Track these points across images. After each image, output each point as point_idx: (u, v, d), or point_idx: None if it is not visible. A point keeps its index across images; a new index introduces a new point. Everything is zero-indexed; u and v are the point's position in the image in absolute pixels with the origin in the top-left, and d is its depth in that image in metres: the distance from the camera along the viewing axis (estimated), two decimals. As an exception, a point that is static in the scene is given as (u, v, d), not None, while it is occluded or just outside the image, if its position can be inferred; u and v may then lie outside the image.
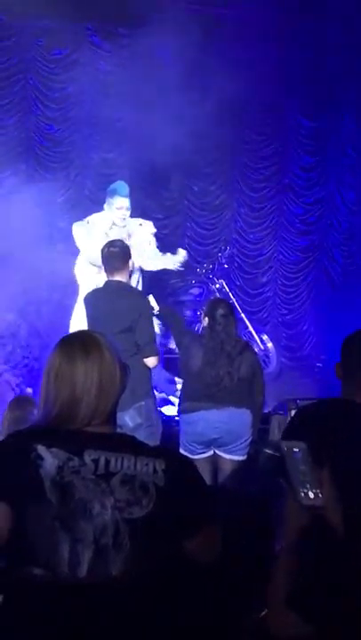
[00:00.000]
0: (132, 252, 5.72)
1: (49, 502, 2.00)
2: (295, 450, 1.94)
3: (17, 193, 8.34)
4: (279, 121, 10.22)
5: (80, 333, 2.36)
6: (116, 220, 7.08)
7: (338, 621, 1.87)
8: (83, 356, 2.15)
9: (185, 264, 7.49)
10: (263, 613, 2.11)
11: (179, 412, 5.42)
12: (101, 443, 2.10)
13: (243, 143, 10.13)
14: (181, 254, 7.34)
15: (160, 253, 7.32)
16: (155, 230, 7.39)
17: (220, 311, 5.29)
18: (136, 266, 6.88)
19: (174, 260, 7.29)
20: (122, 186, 7.16)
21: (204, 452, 5.14)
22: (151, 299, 5.68)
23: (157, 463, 2.10)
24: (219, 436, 5.10)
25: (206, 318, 5.31)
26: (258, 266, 10.38)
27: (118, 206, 7.05)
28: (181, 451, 5.08)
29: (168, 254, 7.32)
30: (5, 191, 8.61)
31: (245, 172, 10.22)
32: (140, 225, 7.32)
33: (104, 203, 7.24)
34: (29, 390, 7.04)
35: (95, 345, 2.19)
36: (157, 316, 5.91)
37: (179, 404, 5.48)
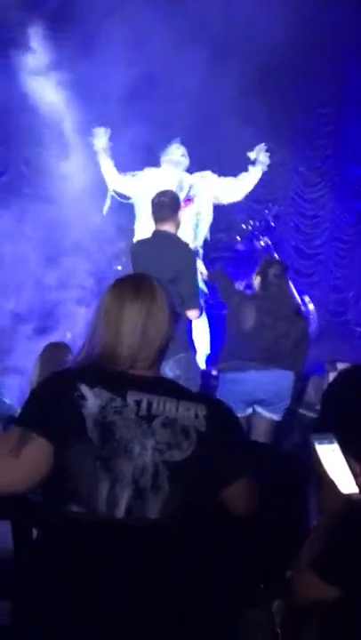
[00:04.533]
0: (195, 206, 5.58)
1: (90, 441, 2.00)
2: (325, 441, 1.92)
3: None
4: (342, 78, 10.01)
5: (135, 275, 2.34)
6: (172, 171, 6.90)
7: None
8: (132, 296, 2.14)
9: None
10: (288, 574, 2.11)
11: (220, 370, 5.38)
12: (145, 385, 2.09)
13: (301, 100, 9.95)
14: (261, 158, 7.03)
15: (234, 179, 7.05)
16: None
17: (273, 271, 5.24)
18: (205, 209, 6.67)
19: (256, 170, 7.00)
20: (175, 142, 7.05)
21: (245, 411, 5.14)
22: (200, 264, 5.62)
23: (199, 409, 2.09)
24: (266, 397, 5.10)
25: (258, 277, 5.27)
26: (314, 227, 10.28)
27: (173, 153, 6.85)
28: None
29: (243, 174, 7.07)
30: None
31: (304, 131, 10.06)
32: (203, 177, 7.12)
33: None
34: (68, 335, 7.06)
35: (147, 287, 2.17)
36: (205, 282, 5.86)
37: (219, 362, 5.46)
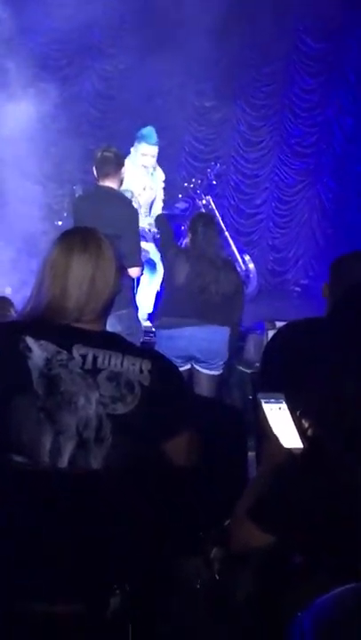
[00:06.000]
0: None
1: (35, 393, 2.02)
2: (272, 400, 1.97)
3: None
4: (283, 39, 9.99)
5: (83, 228, 2.33)
6: (139, 165, 7.03)
7: (297, 534, 1.92)
8: (80, 249, 2.14)
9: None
10: (227, 523, 2.16)
11: (157, 326, 5.42)
12: (90, 339, 2.11)
13: (244, 59, 9.91)
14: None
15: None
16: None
17: (201, 222, 5.28)
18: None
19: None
20: (150, 133, 7.10)
21: (181, 367, 5.18)
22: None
23: (144, 363, 2.11)
24: (200, 353, 5.14)
25: (189, 233, 5.29)
26: (254, 186, 10.31)
27: (144, 152, 7.01)
28: None
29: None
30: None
31: (246, 89, 10.04)
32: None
33: None
34: (8, 290, 6.99)
35: (95, 240, 2.17)
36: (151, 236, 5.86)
37: (155, 319, 5.49)
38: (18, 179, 7.67)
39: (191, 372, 5.23)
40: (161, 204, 7.42)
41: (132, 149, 7.20)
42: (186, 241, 5.38)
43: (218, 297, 5.11)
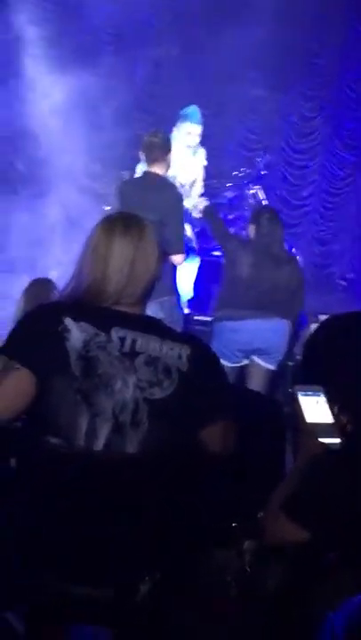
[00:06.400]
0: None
1: (73, 375, 2.02)
2: (310, 393, 1.93)
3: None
4: (337, 30, 9.86)
5: (125, 213, 2.34)
6: (182, 145, 6.96)
7: (331, 530, 1.89)
8: (121, 233, 2.13)
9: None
10: (260, 515, 2.14)
11: (217, 318, 5.34)
12: (130, 322, 2.10)
13: (297, 49, 9.81)
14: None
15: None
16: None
17: (266, 215, 5.23)
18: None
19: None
20: (194, 112, 7.04)
21: (239, 362, 5.14)
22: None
23: (183, 349, 2.11)
24: (265, 347, 5.09)
25: (253, 226, 5.24)
26: (302, 178, 10.22)
27: (188, 131, 6.95)
28: None
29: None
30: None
31: (298, 80, 9.94)
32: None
33: None
34: (54, 274, 7.01)
35: (136, 225, 2.17)
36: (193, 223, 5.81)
37: (215, 309, 5.43)
38: (66, 163, 7.71)
39: (246, 366, 5.18)
40: (201, 185, 7.31)
41: (174, 129, 7.10)
42: (250, 234, 5.33)
43: (282, 291, 5.08)
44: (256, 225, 5.19)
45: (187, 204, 6.83)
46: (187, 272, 6.62)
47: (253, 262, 5.07)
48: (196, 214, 6.48)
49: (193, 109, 7.09)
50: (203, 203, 6.08)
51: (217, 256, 6.57)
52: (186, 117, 7.05)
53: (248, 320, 5.05)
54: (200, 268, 6.99)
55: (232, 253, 5.22)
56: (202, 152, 7.26)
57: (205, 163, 7.26)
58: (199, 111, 7.05)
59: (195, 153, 7.19)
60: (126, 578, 2.02)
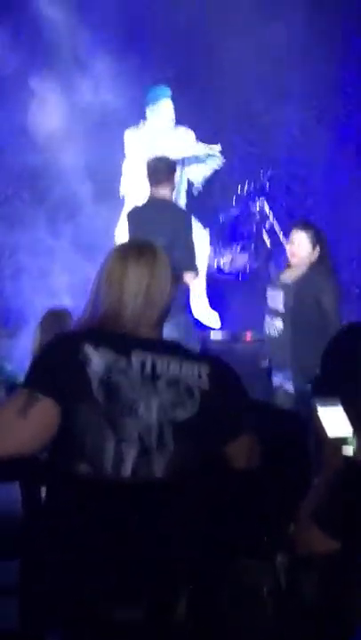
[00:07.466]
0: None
1: (96, 401, 2.03)
2: (328, 404, 1.95)
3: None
4: (332, 39, 9.88)
5: (137, 240, 2.36)
6: (168, 119, 6.86)
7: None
8: (135, 260, 2.16)
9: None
10: (292, 528, 2.16)
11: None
12: (148, 346, 2.12)
13: (291, 61, 9.84)
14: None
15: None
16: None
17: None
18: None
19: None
20: (164, 88, 6.96)
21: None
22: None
23: (202, 368, 2.12)
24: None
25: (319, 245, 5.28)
26: (305, 188, 10.21)
27: (166, 106, 6.84)
28: None
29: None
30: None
31: (295, 90, 9.96)
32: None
33: None
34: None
35: (150, 251, 2.19)
36: None
37: None
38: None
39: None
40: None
41: (148, 110, 6.89)
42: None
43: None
44: (321, 246, 5.28)
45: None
46: (199, 290, 6.66)
47: None
48: None
49: (161, 87, 7.01)
50: None
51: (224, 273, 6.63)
52: (158, 96, 6.91)
53: None
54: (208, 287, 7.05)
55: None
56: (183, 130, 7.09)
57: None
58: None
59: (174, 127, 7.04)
60: (162, 598, 2.04)
